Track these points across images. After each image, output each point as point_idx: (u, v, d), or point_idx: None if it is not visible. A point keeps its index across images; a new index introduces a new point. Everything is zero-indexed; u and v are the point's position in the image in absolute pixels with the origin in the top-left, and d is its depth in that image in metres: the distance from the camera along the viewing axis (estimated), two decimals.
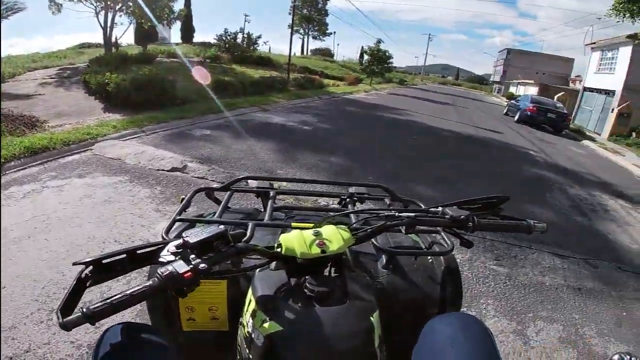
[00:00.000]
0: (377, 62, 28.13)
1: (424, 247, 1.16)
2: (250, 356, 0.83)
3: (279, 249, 0.85)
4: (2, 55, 15.03)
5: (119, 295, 0.72)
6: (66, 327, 0.66)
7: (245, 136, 7.23)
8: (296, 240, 0.85)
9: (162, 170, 4.86)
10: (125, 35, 36.35)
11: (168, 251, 0.77)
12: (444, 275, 1.11)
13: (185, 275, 0.70)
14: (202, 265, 0.72)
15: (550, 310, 2.85)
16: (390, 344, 0.90)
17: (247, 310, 0.89)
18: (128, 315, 2.23)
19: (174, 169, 4.90)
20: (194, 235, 0.77)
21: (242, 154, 6.02)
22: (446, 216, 0.96)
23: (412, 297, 1.07)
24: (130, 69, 11.02)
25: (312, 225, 0.96)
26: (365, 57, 30.02)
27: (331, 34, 36.83)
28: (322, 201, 3.67)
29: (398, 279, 1.08)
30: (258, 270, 0.93)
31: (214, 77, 12.84)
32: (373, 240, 1.08)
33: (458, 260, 1.18)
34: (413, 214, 0.96)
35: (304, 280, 0.85)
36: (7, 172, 4.69)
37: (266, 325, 0.80)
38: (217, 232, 0.78)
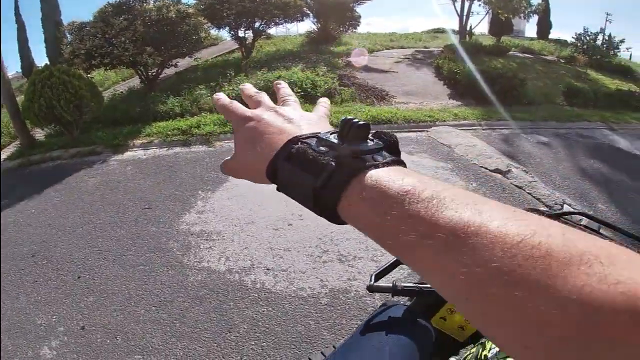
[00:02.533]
0: None
1: None
2: None
3: None
4: (363, 32, 17.69)
5: (430, 287, 0.84)
6: (371, 289, 0.82)
7: (580, 154, 6.43)
8: None
9: (485, 168, 4.91)
10: (479, 24, 36.86)
11: None
12: None
13: None
14: None
15: None
16: None
17: None
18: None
19: (496, 170, 4.86)
20: None
21: (571, 174, 5.43)
22: None
23: None
24: (482, 59, 11.20)
25: None
26: None
27: None
28: None
29: None
30: None
31: (565, 81, 11.71)
32: None
33: None
34: None
35: None
36: None
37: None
38: None
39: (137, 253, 3.32)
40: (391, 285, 0.84)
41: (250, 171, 0.43)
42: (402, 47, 15.25)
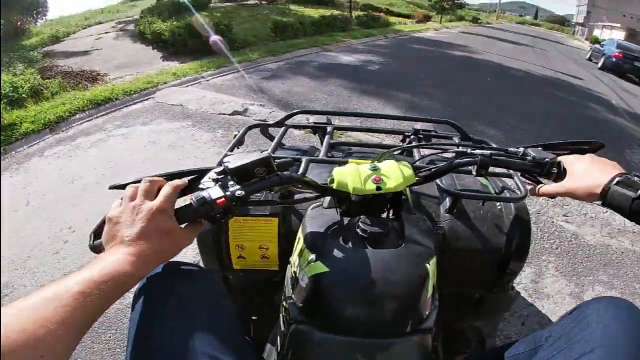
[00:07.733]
0: None
1: (493, 192, 1.03)
2: (294, 297, 0.76)
3: (331, 184, 0.77)
4: (54, 17, 15.55)
5: None
6: (94, 249, 0.70)
7: (307, 77, 6.94)
8: (350, 174, 0.76)
9: (224, 114, 4.75)
10: None
11: (209, 178, 0.73)
12: (513, 225, 0.99)
13: (218, 201, 0.66)
14: (239, 192, 0.67)
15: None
16: (443, 297, 0.80)
17: (295, 249, 0.83)
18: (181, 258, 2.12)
19: (235, 113, 4.77)
20: (234, 161, 0.69)
21: (304, 95, 5.78)
22: (528, 157, 0.80)
23: (475, 247, 0.97)
24: (183, 16, 10.79)
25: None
26: None
27: None
28: (386, 140, 3.32)
29: (461, 225, 0.98)
30: (310, 207, 0.84)
31: (271, 18, 12.37)
32: (437, 181, 0.98)
33: None
34: (488, 152, 0.81)
35: (358, 219, 0.76)
36: (74, 124, 4.81)
37: (312, 265, 0.71)
38: (259, 159, 0.69)
39: None
40: None
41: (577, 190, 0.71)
42: (99, 23, 13.88)
